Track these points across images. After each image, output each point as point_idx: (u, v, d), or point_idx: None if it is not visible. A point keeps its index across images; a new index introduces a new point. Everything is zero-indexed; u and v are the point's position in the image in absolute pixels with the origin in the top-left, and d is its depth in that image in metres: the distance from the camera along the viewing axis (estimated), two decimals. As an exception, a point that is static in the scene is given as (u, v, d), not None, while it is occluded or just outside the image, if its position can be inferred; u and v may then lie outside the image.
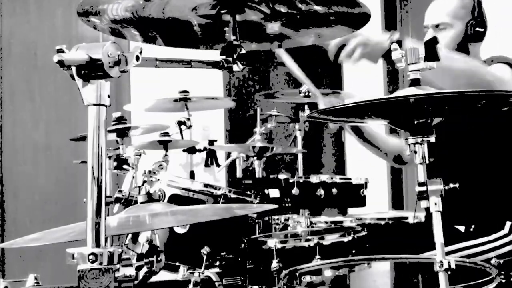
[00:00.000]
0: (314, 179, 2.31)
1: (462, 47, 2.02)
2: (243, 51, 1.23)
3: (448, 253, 1.62)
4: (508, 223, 1.87)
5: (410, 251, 1.81)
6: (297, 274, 1.43)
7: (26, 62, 3.73)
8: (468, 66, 1.71)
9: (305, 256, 1.73)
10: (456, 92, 1.12)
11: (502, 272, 1.27)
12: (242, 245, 1.88)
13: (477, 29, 2.00)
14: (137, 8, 1.22)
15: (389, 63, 1.41)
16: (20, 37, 3.73)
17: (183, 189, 1.99)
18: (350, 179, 2.42)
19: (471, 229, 1.91)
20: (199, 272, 1.64)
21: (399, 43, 1.58)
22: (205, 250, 1.79)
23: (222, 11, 1.27)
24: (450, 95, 1.15)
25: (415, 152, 1.16)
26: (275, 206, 1.46)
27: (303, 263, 1.50)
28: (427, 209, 1.17)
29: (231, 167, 3.38)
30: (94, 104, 0.89)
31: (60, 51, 0.87)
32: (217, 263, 1.82)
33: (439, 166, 1.25)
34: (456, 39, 2.02)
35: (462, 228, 1.94)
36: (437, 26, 2.05)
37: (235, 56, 1.22)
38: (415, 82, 1.19)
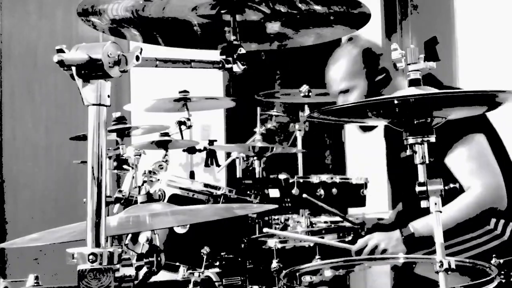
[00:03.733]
0: (314, 179, 2.31)
1: (375, 94, 2.03)
2: (243, 51, 1.23)
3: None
4: (493, 220, 1.87)
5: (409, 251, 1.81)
6: (297, 274, 1.43)
7: (26, 62, 3.73)
8: None
9: (305, 256, 1.73)
10: (456, 92, 1.12)
11: (502, 272, 1.27)
12: (242, 245, 1.88)
13: (378, 78, 2.01)
14: (137, 8, 1.22)
15: None
16: (20, 37, 3.74)
17: (183, 189, 1.99)
18: (350, 179, 2.42)
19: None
20: (199, 272, 1.64)
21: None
22: (205, 250, 1.79)
23: (222, 11, 1.27)
24: (450, 95, 1.15)
25: (415, 152, 1.16)
26: (275, 206, 1.46)
27: (303, 263, 1.50)
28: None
29: (231, 167, 3.38)
30: (94, 104, 0.89)
31: (60, 51, 0.86)
32: (217, 263, 1.82)
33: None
34: (364, 94, 2.02)
35: None
36: (342, 92, 2.05)
37: (235, 56, 1.22)
38: (415, 82, 1.19)
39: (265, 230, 1.95)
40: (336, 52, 2.09)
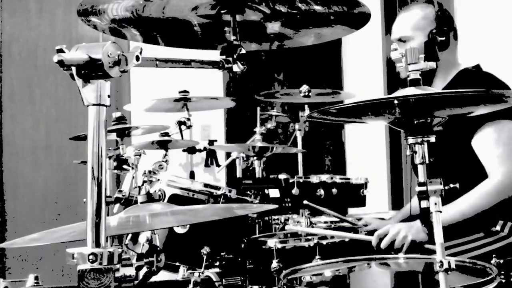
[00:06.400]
0: (314, 179, 2.31)
1: (430, 57, 2.03)
2: (243, 51, 1.23)
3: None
4: (500, 222, 1.87)
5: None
6: (297, 274, 1.43)
7: (26, 62, 3.73)
8: None
9: (305, 256, 1.73)
10: (456, 92, 1.12)
11: (502, 272, 1.27)
12: (242, 245, 1.88)
13: (437, 37, 2.02)
14: (137, 8, 1.22)
15: None
16: (20, 37, 3.74)
17: (183, 189, 1.99)
18: (350, 179, 2.42)
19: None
20: (199, 272, 1.64)
21: None
22: (205, 250, 1.79)
23: (222, 11, 1.27)
24: (450, 95, 1.15)
25: (415, 152, 1.15)
26: (275, 206, 1.46)
27: (303, 263, 1.50)
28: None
29: (231, 167, 3.38)
30: (94, 104, 0.89)
31: (60, 51, 0.86)
32: (217, 263, 1.82)
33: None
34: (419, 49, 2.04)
35: None
36: (399, 40, 2.07)
37: (235, 56, 1.22)
38: (415, 82, 1.19)
39: (287, 227, 1.96)
40: (412, 3, 2.13)
